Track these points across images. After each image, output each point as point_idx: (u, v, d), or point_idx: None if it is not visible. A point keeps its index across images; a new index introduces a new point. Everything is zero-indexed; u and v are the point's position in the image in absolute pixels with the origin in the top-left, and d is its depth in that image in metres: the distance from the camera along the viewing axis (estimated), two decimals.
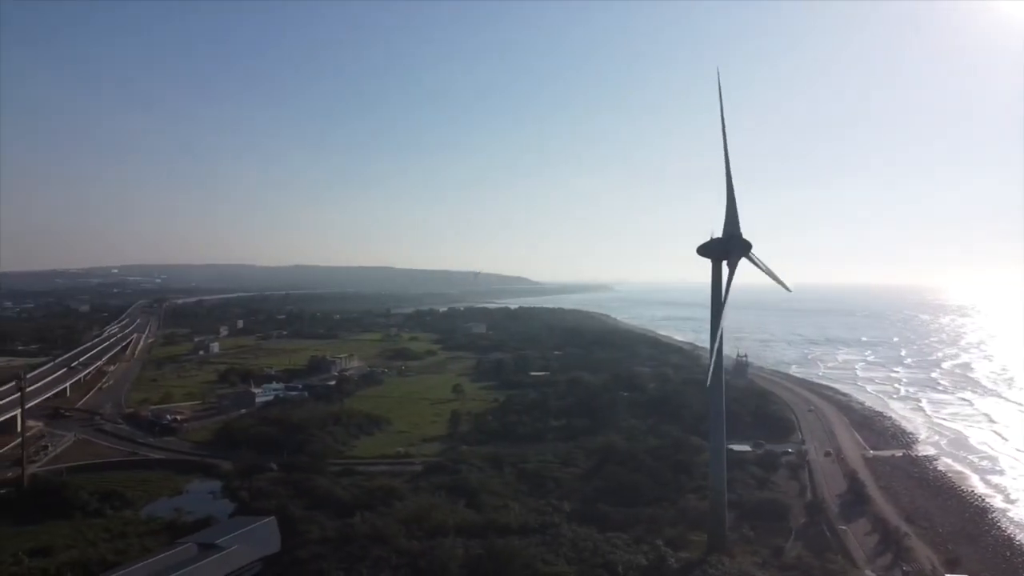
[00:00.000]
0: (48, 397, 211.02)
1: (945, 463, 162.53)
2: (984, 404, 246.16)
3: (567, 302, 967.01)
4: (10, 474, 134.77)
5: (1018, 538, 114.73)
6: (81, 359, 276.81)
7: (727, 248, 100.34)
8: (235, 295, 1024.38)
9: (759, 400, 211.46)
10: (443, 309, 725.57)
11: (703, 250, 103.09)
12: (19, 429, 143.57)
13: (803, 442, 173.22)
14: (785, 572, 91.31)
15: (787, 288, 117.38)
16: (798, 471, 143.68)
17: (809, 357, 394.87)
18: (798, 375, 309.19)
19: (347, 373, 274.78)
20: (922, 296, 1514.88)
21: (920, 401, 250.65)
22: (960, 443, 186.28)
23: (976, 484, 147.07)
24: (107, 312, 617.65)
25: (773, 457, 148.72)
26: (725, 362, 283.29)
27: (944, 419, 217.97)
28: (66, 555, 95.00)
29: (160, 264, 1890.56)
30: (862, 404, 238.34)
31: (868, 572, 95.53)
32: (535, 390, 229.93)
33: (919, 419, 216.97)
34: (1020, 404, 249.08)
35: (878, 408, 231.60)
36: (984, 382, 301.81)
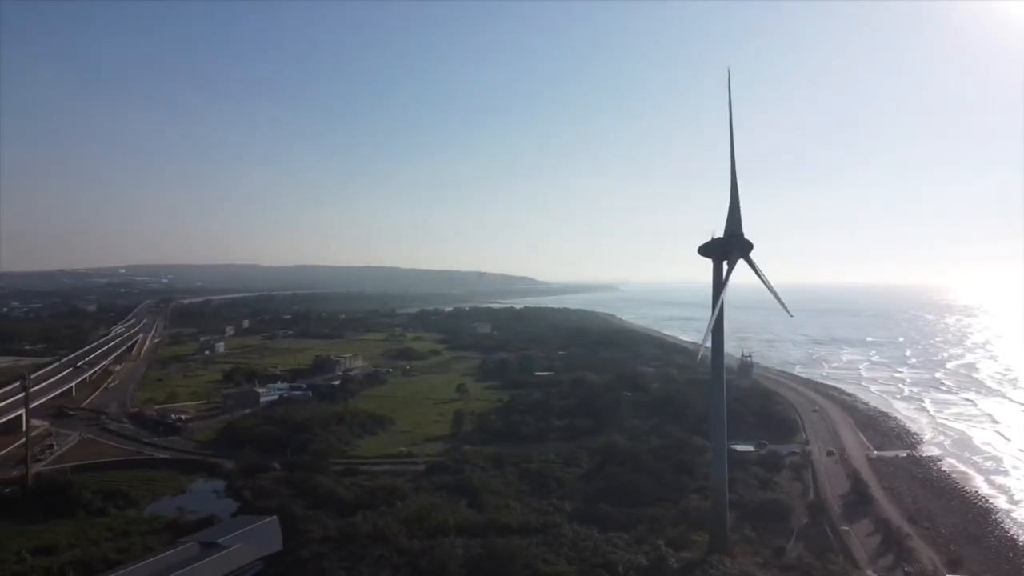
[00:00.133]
0: (53, 396, 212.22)
1: (949, 463, 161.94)
2: (988, 404, 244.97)
3: (572, 302, 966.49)
4: (15, 473, 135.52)
5: (1021, 539, 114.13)
6: (86, 359, 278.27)
7: (728, 247, 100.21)
8: (241, 295, 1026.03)
9: (763, 400, 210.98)
10: (448, 309, 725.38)
11: (704, 250, 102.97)
12: (24, 429, 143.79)
13: (807, 442, 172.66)
14: (786, 572, 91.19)
15: (789, 313, 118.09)
16: (801, 471, 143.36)
17: (814, 357, 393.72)
18: (803, 375, 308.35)
19: (351, 373, 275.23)
20: (928, 296, 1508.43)
21: (923, 401, 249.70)
22: (964, 444, 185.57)
23: (980, 485, 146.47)
24: (114, 312, 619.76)
25: (776, 457, 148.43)
26: (730, 362, 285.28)
27: (947, 419, 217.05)
28: (69, 554, 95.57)
29: (167, 264, 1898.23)
30: (867, 404, 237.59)
31: (869, 573, 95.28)
32: (539, 390, 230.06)
33: (923, 419, 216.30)
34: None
35: (883, 409, 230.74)
36: (988, 382, 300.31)
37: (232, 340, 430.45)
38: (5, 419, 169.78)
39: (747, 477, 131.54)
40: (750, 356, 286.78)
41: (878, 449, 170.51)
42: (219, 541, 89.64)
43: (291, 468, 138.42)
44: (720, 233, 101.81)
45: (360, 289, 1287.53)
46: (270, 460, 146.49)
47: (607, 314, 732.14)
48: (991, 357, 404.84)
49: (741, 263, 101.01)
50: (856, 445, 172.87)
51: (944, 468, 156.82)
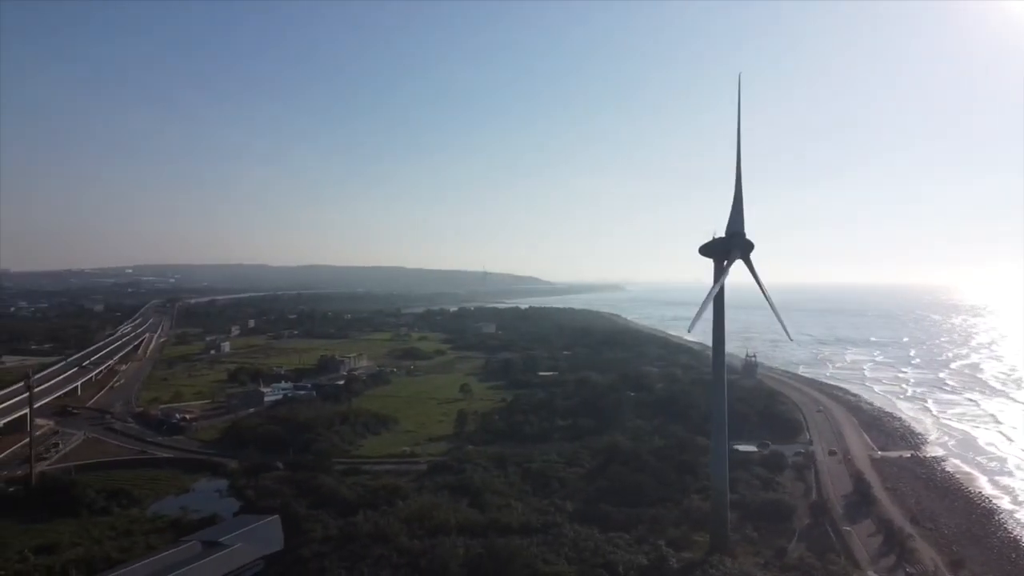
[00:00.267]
0: (59, 396, 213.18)
1: (953, 464, 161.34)
2: (992, 405, 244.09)
3: (578, 302, 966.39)
4: (19, 472, 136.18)
5: None
6: (92, 358, 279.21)
7: (729, 247, 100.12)
8: (247, 295, 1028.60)
9: (767, 400, 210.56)
10: (453, 309, 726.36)
11: (705, 250, 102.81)
12: (28, 428, 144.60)
13: (810, 443, 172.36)
14: (787, 573, 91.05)
15: (789, 336, 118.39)
16: (804, 472, 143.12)
17: (818, 357, 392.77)
18: (807, 375, 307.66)
19: (356, 373, 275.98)
20: (935, 296, 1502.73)
21: (927, 402, 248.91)
22: (968, 444, 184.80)
23: (984, 485, 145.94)
24: (120, 312, 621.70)
25: (779, 458, 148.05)
26: (735, 362, 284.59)
27: (951, 420, 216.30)
28: (72, 552, 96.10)
29: (173, 264, 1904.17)
30: (871, 404, 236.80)
31: (871, 573, 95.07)
32: (543, 390, 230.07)
33: (927, 420, 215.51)
34: None
35: (887, 409, 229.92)
36: (993, 383, 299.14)
37: (238, 340, 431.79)
38: (9, 419, 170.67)
39: (749, 477, 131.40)
40: (754, 356, 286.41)
41: (882, 449, 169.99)
42: (221, 540, 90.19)
43: (294, 468, 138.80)
44: (721, 233, 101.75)
45: (366, 289, 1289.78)
46: (273, 460, 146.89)
47: (612, 314, 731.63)
48: (996, 357, 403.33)
49: (740, 263, 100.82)
50: (860, 445, 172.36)
51: (948, 469, 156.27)
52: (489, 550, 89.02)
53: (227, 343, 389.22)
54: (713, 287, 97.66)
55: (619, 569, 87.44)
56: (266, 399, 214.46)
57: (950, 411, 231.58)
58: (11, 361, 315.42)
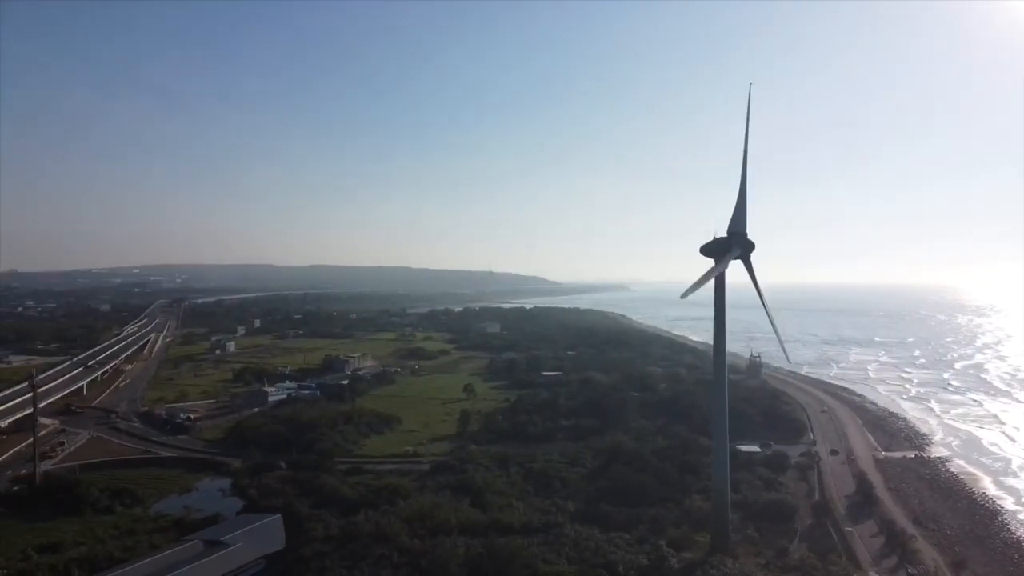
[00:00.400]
0: (65, 395, 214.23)
1: (957, 465, 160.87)
2: (996, 405, 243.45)
3: (583, 302, 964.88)
4: (24, 471, 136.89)
5: None
6: (98, 358, 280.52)
7: (730, 246, 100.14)
8: (254, 295, 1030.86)
9: (771, 401, 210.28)
10: (458, 309, 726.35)
11: (707, 250, 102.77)
12: (33, 427, 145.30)
13: (814, 443, 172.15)
14: (787, 573, 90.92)
15: (786, 357, 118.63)
16: (807, 472, 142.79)
17: (823, 357, 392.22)
18: (812, 375, 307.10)
19: (360, 372, 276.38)
20: (940, 296, 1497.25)
21: (930, 402, 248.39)
22: (973, 445, 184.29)
23: (987, 486, 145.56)
24: (127, 312, 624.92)
25: (781, 458, 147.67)
26: (740, 362, 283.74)
27: (954, 420, 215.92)
28: (75, 551, 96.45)
29: (181, 264, 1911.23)
30: (876, 405, 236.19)
31: (872, 574, 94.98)
32: (546, 390, 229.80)
33: (932, 420, 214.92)
34: None
35: (892, 409, 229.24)
36: (997, 383, 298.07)
37: (243, 340, 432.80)
38: (13, 418, 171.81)
39: (752, 478, 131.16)
40: (759, 356, 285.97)
41: (886, 450, 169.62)
42: (223, 539, 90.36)
43: (297, 467, 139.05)
44: (723, 233, 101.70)
45: (372, 289, 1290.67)
46: (277, 459, 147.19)
47: (617, 314, 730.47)
48: (1000, 357, 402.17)
49: (739, 264, 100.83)
50: (864, 446, 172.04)
51: (952, 469, 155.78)
52: (489, 550, 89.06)
53: (232, 343, 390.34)
54: (709, 272, 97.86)
55: (619, 569, 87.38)
56: (270, 399, 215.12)
57: (954, 411, 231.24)
58: (18, 361, 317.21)
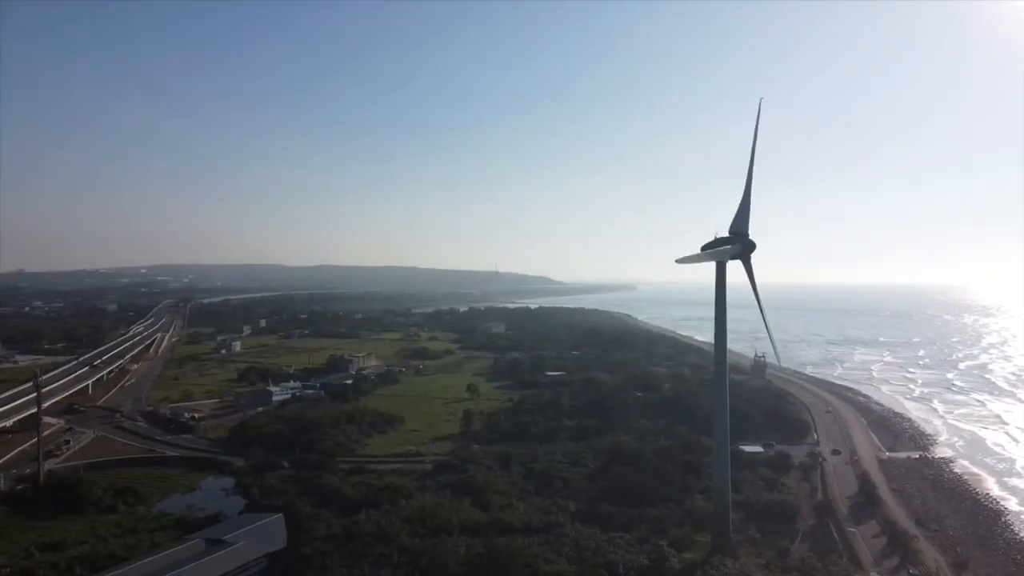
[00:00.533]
0: (70, 395, 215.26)
1: (961, 465, 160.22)
2: (999, 406, 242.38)
3: (589, 302, 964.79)
4: (28, 470, 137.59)
5: None
6: (103, 358, 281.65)
7: (730, 244, 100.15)
8: (260, 295, 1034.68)
9: (776, 401, 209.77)
10: (463, 309, 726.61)
11: (708, 249, 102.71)
12: (37, 427, 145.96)
13: (818, 443, 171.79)
14: (788, 574, 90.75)
15: (776, 351, 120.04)
16: (810, 472, 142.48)
17: (827, 357, 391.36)
18: (817, 375, 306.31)
19: (364, 372, 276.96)
20: (948, 296, 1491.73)
21: (932, 402, 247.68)
22: (977, 445, 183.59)
23: (991, 487, 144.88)
24: (134, 311, 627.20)
25: (784, 458, 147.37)
26: (744, 362, 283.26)
27: (957, 420, 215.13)
28: (77, 550, 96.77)
29: (188, 264, 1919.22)
30: (880, 405, 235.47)
31: (873, 574, 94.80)
32: (550, 390, 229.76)
33: (936, 421, 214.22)
34: None
35: (897, 410, 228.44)
36: (1001, 383, 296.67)
37: (249, 339, 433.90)
38: (18, 417, 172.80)
39: (754, 478, 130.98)
40: (763, 356, 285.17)
41: (890, 450, 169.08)
42: (224, 538, 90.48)
43: (299, 466, 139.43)
44: (724, 233, 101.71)
45: (378, 289, 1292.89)
46: (280, 458, 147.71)
47: (623, 314, 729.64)
48: (1005, 357, 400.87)
49: (738, 264, 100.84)
50: (867, 446, 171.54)
51: (956, 470, 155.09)
52: (489, 549, 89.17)
53: (238, 342, 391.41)
54: (708, 254, 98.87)
55: (619, 569, 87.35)
56: (274, 398, 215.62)
57: (957, 411, 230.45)
58: (24, 360, 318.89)
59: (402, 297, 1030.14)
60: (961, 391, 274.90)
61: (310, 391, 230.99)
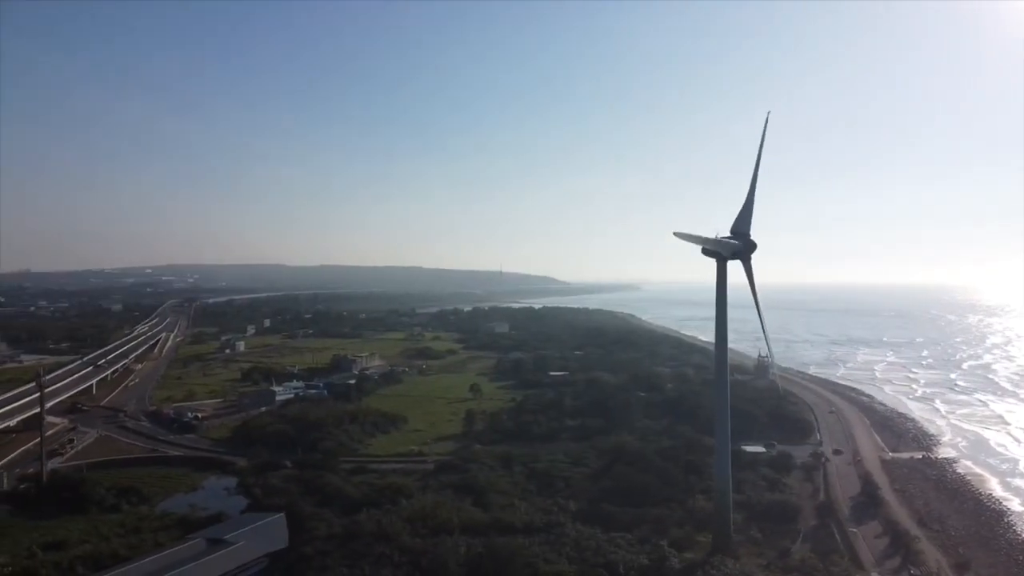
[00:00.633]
0: (73, 394, 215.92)
1: (965, 466, 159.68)
2: (1001, 406, 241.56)
3: (593, 302, 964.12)
4: (31, 469, 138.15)
5: None
6: (108, 357, 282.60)
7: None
8: (265, 295, 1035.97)
9: (779, 401, 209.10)
10: (467, 309, 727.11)
11: (708, 250, 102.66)
12: (40, 426, 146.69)
13: (820, 443, 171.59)
14: (788, 574, 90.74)
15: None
16: (812, 473, 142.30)
17: (831, 357, 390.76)
18: (820, 375, 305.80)
19: (368, 372, 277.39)
20: (953, 295, 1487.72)
21: (935, 402, 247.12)
22: (980, 446, 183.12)
23: (994, 487, 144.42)
24: (139, 311, 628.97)
25: (786, 458, 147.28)
26: (748, 362, 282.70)
27: (959, 420, 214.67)
28: (79, 549, 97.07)
29: (193, 264, 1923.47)
30: (884, 405, 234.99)
31: (874, 574, 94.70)
32: (553, 390, 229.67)
33: (940, 421, 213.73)
34: None
35: (900, 410, 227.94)
36: (1004, 384, 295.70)
37: (253, 339, 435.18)
38: (22, 417, 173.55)
39: (756, 478, 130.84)
40: (767, 356, 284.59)
41: (893, 451, 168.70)
42: (226, 537, 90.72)
43: (301, 466, 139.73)
44: (725, 232, 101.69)
45: (382, 289, 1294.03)
46: (282, 458, 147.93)
47: (627, 314, 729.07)
48: (1009, 358, 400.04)
49: (738, 265, 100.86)
50: (870, 446, 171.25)
51: (959, 470, 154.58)
52: (489, 549, 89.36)
53: (242, 342, 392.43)
54: (708, 240, 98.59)
55: (620, 569, 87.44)
56: (277, 398, 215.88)
57: (959, 411, 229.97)
58: (29, 360, 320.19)
59: (406, 297, 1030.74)
60: (964, 391, 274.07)
61: (313, 391, 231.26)
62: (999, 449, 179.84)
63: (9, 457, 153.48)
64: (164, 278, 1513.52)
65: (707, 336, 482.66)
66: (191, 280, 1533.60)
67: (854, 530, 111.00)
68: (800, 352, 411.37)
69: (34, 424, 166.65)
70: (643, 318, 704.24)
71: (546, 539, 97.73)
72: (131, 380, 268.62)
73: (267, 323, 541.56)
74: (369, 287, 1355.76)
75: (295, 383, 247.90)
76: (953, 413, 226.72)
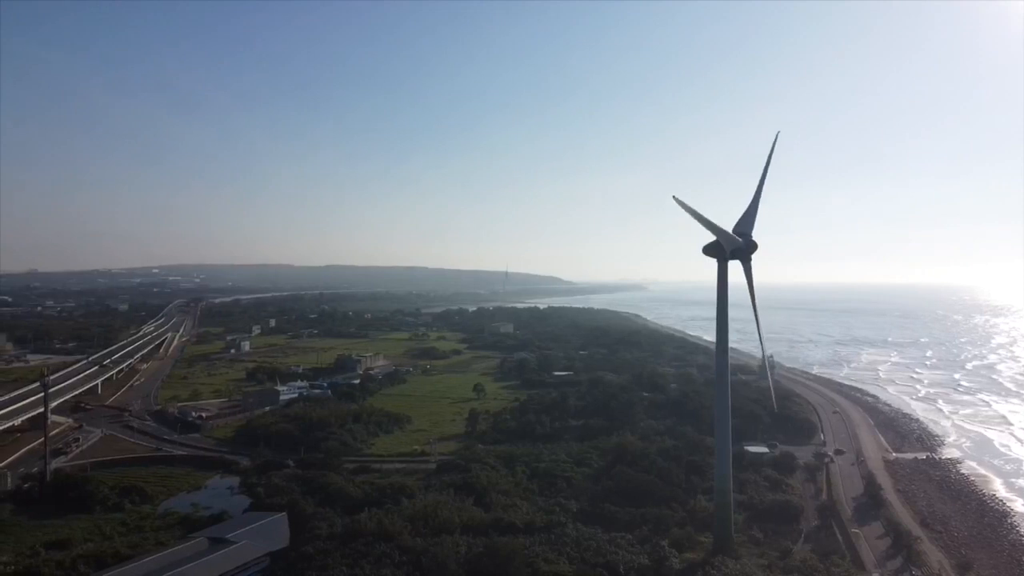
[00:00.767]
0: (78, 394, 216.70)
1: (968, 466, 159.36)
2: (1005, 406, 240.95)
3: (598, 302, 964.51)
4: (35, 469, 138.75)
5: None
6: (113, 357, 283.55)
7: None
8: (270, 295, 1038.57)
9: (782, 401, 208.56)
10: (472, 309, 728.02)
11: (709, 249, 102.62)
12: (44, 426, 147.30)
13: (824, 444, 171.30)
14: (789, 574, 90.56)
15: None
16: (815, 473, 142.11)
17: (835, 357, 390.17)
18: (824, 375, 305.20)
19: (372, 372, 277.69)
20: (959, 295, 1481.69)
21: (937, 402, 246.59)
22: (984, 446, 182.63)
23: (998, 488, 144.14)
24: (145, 311, 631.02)
25: (789, 459, 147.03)
26: (752, 362, 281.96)
27: (964, 421, 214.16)
28: (82, 548, 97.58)
29: (200, 264, 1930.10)
30: (888, 406, 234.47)
31: (875, 575, 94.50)
32: (556, 390, 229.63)
33: (943, 421, 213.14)
34: None
35: (904, 410, 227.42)
36: (1008, 384, 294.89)
37: (258, 339, 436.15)
38: (26, 416, 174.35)
39: (758, 478, 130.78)
40: (771, 356, 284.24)
41: (897, 451, 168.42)
42: (227, 537, 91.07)
43: (304, 466, 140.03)
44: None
45: (387, 289, 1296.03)
46: (285, 458, 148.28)
47: (632, 314, 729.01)
48: (1013, 358, 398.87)
49: (738, 265, 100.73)
50: (874, 447, 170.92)
51: (962, 471, 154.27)
52: (490, 548, 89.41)
53: (247, 342, 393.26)
54: (709, 223, 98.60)
55: (620, 569, 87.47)
56: (282, 397, 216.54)
57: (963, 412, 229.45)
58: (36, 359, 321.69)
59: (411, 297, 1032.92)
60: (968, 391, 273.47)
61: (317, 391, 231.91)
62: (1003, 450, 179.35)
63: (14, 456, 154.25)
64: (171, 278, 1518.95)
65: (712, 336, 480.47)
66: (197, 280, 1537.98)
67: (856, 531, 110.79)
68: (804, 352, 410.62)
69: (39, 423, 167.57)
70: (648, 318, 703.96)
71: (547, 539, 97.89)
72: (136, 380, 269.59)
73: (272, 323, 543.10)
74: (374, 287, 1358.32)
75: (299, 383, 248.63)
76: (957, 413, 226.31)
